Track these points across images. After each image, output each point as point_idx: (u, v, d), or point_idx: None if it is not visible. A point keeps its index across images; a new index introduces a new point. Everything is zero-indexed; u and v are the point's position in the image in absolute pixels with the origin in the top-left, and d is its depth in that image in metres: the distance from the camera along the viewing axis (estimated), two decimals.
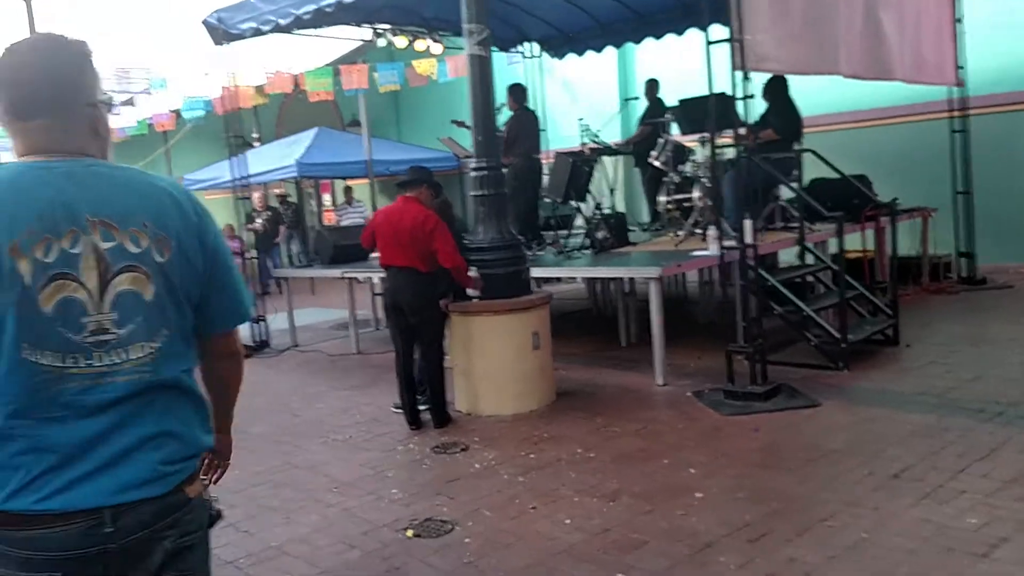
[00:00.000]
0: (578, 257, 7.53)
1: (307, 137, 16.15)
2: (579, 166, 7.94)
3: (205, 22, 8.98)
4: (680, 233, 7.69)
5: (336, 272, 8.91)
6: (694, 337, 7.72)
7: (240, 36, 8.85)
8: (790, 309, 6.51)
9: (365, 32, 11.92)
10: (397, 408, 6.16)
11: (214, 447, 1.82)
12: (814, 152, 7.54)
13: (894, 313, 6.95)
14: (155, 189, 1.66)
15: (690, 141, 8.24)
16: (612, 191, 9.83)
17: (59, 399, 1.52)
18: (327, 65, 13.95)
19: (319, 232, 9.93)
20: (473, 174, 5.99)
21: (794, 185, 7.35)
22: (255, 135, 17.15)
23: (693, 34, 10.48)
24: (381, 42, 10.74)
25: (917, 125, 10.06)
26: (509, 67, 14.80)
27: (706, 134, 7.72)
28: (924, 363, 6.25)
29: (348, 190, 15.69)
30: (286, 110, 17.80)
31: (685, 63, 10.56)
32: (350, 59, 14.60)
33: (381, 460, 5.13)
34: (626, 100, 10.08)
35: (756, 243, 6.11)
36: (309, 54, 14.28)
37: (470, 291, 5.76)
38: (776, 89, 7.75)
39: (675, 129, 8.43)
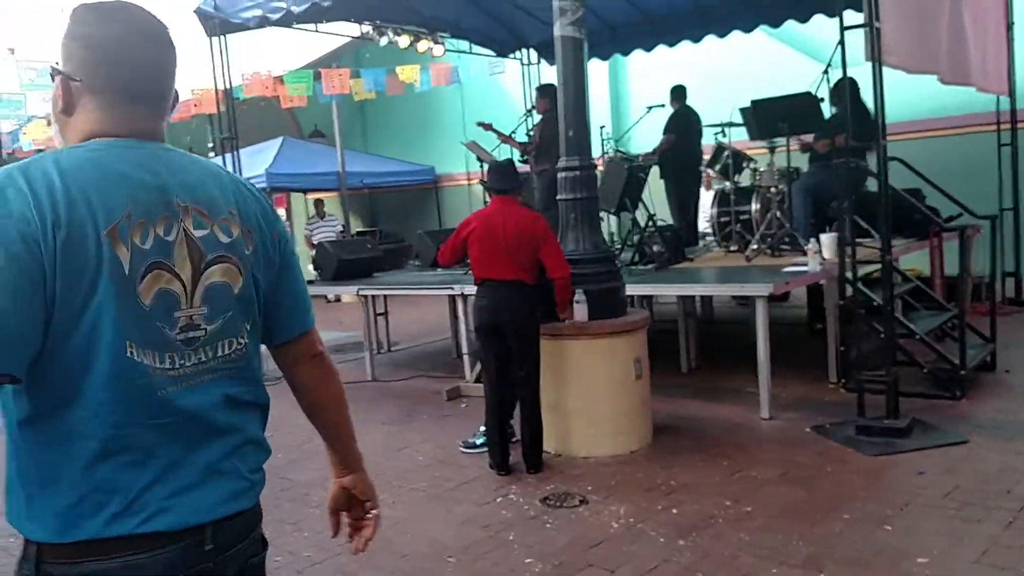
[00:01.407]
0: (639, 273, 6.74)
1: (272, 146, 15.05)
2: (635, 173, 7.18)
3: (198, 10, 7.94)
4: (754, 247, 6.96)
5: (349, 289, 7.93)
6: (746, 362, 7.02)
7: (241, 27, 7.82)
8: (902, 332, 5.84)
9: (355, 30, 11.09)
10: (469, 447, 5.26)
11: (352, 491, 1.79)
12: (901, 161, 6.93)
13: (992, 337, 6.36)
14: (232, 178, 1.58)
15: (752, 149, 7.59)
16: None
17: (158, 403, 1.38)
18: (303, 68, 12.99)
19: (322, 247, 9.10)
20: (563, 175, 5.15)
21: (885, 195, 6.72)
22: (210, 144, 15.97)
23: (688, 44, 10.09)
24: (383, 40, 9.82)
25: (961, 138, 9.63)
26: (492, 77, 14.12)
27: (777, 139, 7.10)
28: None
29: (319, 203, 14.63)
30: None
31: (675, 73, 10.11)
32: (324, 63, 13.65)
33: (487, 517, 4.21)
34: (649, 108, 9.33)
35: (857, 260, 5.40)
36: (284, 56, 13.22)
37: (572, 315, 4.90)
38: (850, 91, 7.13)
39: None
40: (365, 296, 7.89)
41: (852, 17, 5.08)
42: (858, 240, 7.11)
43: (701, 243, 8.61)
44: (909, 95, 8.53)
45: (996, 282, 6.73)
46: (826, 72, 6.94)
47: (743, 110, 7.18)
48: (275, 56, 12.37)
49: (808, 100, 6.54)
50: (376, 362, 8.46)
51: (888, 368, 5.06)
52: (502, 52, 11.64)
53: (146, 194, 1.39)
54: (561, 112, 5.13)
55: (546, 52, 11.73)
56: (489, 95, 14.99)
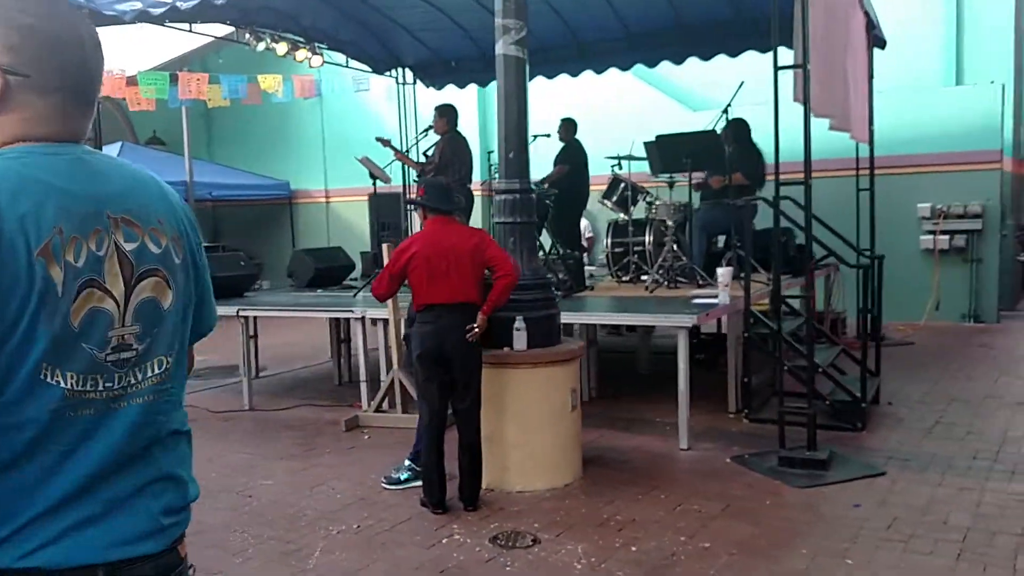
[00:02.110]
0: None
1: (110, 153, 13.88)
2: (541, 200, 7.10)
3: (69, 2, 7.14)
4: (656, 279, 7.02)
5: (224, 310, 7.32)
6: (642, 391, 7.13)
7: (115, 20, 7.08)
8: (799, 365, 6.05)
9: (226, 32, 10.45)
10: (393, 483, 4.92)
11: None
12: (792, 200, 7.25)
13: (877, 371, 6.74)
14: (156, 182, 1.47)
15: (650, 183, 7.72)
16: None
17: (71, 427, 1.28)
18: (154, 69, 12.13)
19: (298, 254, 8.68)
20: (501, 198, 4.96)
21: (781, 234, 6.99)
22: None
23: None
24: (261, 46, 9.28)
25: (826, 181, 10.24)
26: (356, 95, 13.79)
27: (675, 175, 7.25)
28: (931, 423, 6.02)
29: None
30: None
31: (547, 105, 10.23)
32: (172, 67, 12.81)
33: (439, 561, 3.91)
34: (535, 136, 9.34)
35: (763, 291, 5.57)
36: (131, 56, 12.24)
37: (484, 325, 4.60)
38: (742, 132, 7.42)
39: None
40: (245, 317, 7.32)
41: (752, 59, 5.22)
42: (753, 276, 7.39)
43: (586, 273, 8.66)
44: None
45: (881, 319, 7.09)
46: (725, 112, 7.20)
47: (647, 144, 7.29)
48: (121, 55, 11.45)
49: (712, 138, 6.73)
50: (237, 387, 7.91)
51: (809, 400, 5.21)
52: (377, 69, 11.31)
53: (76, 206, 1.29)
54: (501, 133, 4.96)
55: (421, 72, 11.53)
56: (351, 111, 14.59)
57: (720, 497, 4.64)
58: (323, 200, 15.30)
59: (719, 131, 7.29)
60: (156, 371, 1.39)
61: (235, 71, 12.19)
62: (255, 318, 7.70)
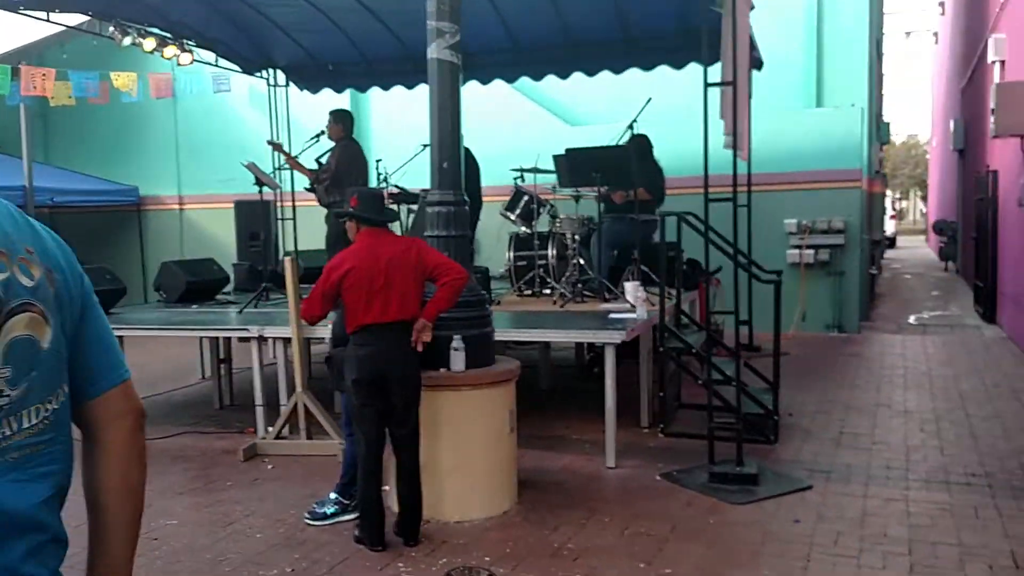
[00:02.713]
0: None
1: None
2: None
3: None
4: (566, 294, 6.89)
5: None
6: (549, 407, 7.03)
7: None
8: (711, 379, 6.09)
9: (81, 23, 9.57)
10: (318, 519, 4.52)
11: None
12: (694, 216, 7.32)
13: (775, 381, 6.89)
14: (17, 210, 1.32)
15: (553, 196, 7.60)
16: None
17: None
18: None
19: (167, 266, 7.86)
20: (435, 210, 4.68)
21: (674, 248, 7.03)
22: None
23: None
24: (127, 41, 8.53)
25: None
26: (216, 95, 13.04)
27: (584, 189, 7.18)
28: (835, 433, 6.21)
29: None
30: None
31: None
32: (10, 60, 11.63)
33: None
34: (424, 146, 9.08)
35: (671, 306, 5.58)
36: None
37: (428, 335, 4.31)
38: (644, 148, 7.45)
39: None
40: (120, 338, 6.62)
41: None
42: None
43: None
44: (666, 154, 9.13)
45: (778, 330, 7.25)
46: (631, 127, 7.20)
47: (556, 157, 7.17)
48: None
49: (621, 153, 6.70)
50: None
51: (738, 415, 5.23)
52: (248, 69, 10.68)
53: None
54: (434, 141, 4.68)
55: (295, 75, 10.98)
56: (210, 113, 13.76)
57: (664, 517, 4.54)
58: (176, 207, 14.31)
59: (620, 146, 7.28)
60: (35, 420, 1.24)
61: (80, 67, 11.19)
62: (120, 338, 6.99)
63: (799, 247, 11.23)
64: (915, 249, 32.43)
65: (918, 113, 49.01)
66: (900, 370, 8.55)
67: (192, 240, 13.93)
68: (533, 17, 9.01)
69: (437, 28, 4.59)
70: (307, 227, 10.76)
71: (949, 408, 6.86)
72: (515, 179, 7.67)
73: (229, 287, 8.98)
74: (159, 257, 12.95)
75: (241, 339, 6.67)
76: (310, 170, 7.26)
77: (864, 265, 12.09)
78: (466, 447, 4.50)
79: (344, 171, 7.09)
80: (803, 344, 10.30)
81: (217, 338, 7.53)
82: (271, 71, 10.92)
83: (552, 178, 7.76)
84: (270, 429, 6.06)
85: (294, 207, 9.48)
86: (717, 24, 5.86)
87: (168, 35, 9.14)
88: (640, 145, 7.38)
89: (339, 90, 11.04)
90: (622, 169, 6.74)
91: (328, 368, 4.72)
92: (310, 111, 10.86)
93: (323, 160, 7.28)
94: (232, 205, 11.66)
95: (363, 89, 10.89)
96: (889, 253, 28.37)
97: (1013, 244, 10.14)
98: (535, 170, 7.47)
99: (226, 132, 13.82)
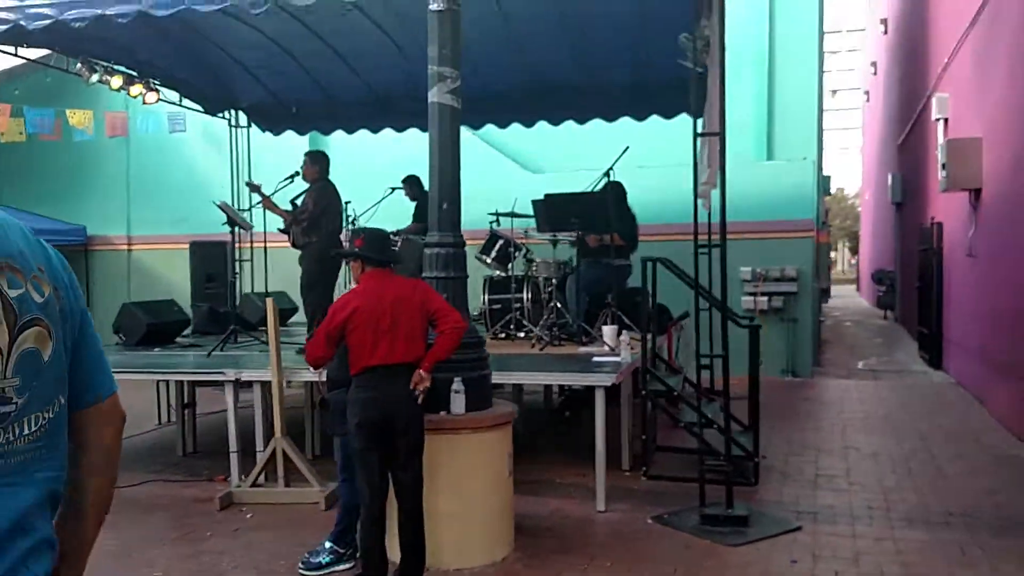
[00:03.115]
0: None
1: None
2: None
3: None
4: (544, 337, 6.91)
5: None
6: (526, 451, 6.96)
7: None
8: (696, 422, 6.15)
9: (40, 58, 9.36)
10: (314, 569, 4.39)
11: None
12: (669, 261, 7.45)
13: (753, 424, 6.98)
14: (25, 228, 1.42)
15: (526, 240, 7.65)
16: None
17: None
18: None
19: (128, 308, 7.62)
20: (434, 251, 4.66)
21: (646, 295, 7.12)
22: None
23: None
24: (94, 78, 8.39)
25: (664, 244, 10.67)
26: (171, 135, 12.87)
27: (561, 234, 7.25)
28: (811, 475, 6.31)
29: None
30: None
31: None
32: None
33: None
34: (392, 189, 9.12)
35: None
36: None
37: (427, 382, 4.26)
38: (619, 194, 7.56)
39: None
40: None
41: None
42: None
43: None
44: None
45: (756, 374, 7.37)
46: (607, 175, 7.32)
47: (535, 202, 7.23)
48: None
49: (599, 200, 6.80)
50: None
51: (728, 459, 5.27)
52: (211, 110, 10.57)
53: None
54: (434, 184, 4.69)
55: (257, 115, 10.91)
56: (162, 152, 13.50)
57: (664, 560, 4.54)
58: (125, 247, 13.95)
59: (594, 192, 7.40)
60: (35, 427, 1.32)
61: (32, 103, 10.96)
62: None
63: (753, 294, 11.48)
64: (849, 298, 33.41)
65: (845, 167, 50.93)
66: (860, 413, 8.75)
67: (140, 281, 13.59)
68: (502, 66, 9.16)
69: (439, 72, 4.64)
70: (267, 268, 10.63)
71: (914, 449, 7.03)
72: (490, 223, 7.71)
73: (187, 329, 8.77)
74: (106, 298, 12.59)
75: (213, 383, 6.48)
76: (286, 211, 7.17)
77: (815, 312, 12.41)
78: (467, 492, 4.43)
79: (322, 211, 7.01)
80: (761, 388, 10.46)
81: (182, 382, 7.32)
82: (232, 112, 10.83)
83: (524, 223, 7.83)
84: (243, 477, 5.88)
85: (265, 247, 9.26)
86: (684, 76, 6.03)
87: (134, 73, 9.00)
88: (616, 192, 7.50)
89: (302, 132, 11.00)
90: (599, 215, 6.83)
91: (323, 412, 4.63)
92: (268, 152, 10.82)
93: (298, 201, 7.21)
94: (186, 246, 11.46)
95: (327, 132, 10.86)
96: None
97: (960, 293, 10.54)
98: (511, 214, 7.51)
99: (178, 172, 13.59)
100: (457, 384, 4.44)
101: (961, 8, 10.00)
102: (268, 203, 7.14)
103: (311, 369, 4.74)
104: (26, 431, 1.31)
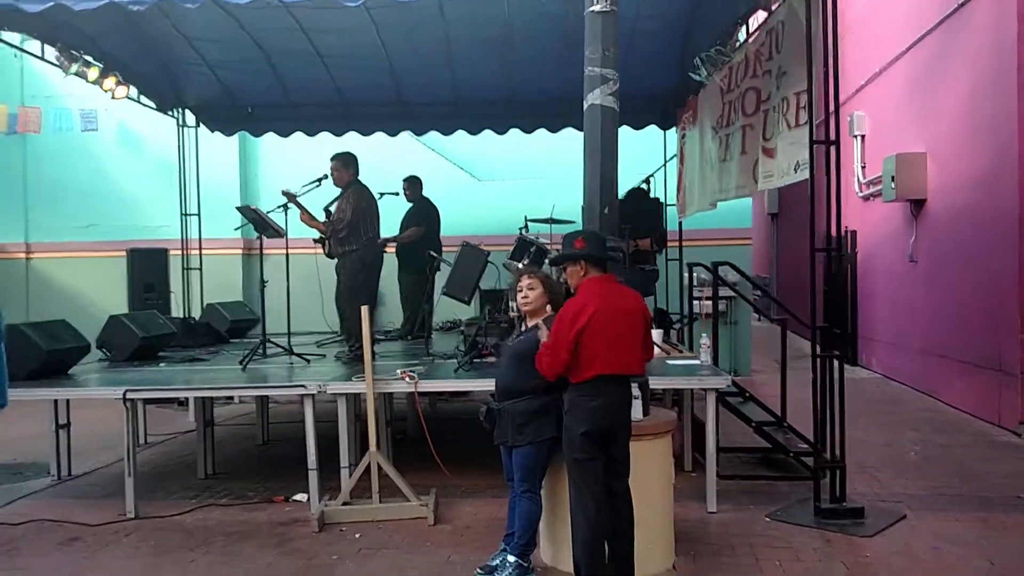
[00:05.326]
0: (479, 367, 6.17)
1: None
2: (488, 262, 6.65)
3: None
4: None
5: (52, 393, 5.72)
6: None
7: None
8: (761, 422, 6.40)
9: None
10: None
11: None
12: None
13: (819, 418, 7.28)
14: None
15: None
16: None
17: None
18: None
19: (115, 320, 6.95)
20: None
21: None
22: None
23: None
24: (73, 68, 7.59)
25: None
26: (83, 133, 11.95)
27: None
28: (852, 464, 6.67)
29: None
30: None
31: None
32: None
33: None
34: (381, 194, 8.78)
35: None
36: None
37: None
38: (642, 199, 7.71)
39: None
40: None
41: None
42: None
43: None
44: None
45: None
46: (646, 182, 7.44)
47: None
48: None
49: (653, 203, 6.91)
50: (68, 490, 6.35)
51: (841, 454, 5.50)
52: (162, 107, 9.78)
53: None
54: (595, 187, 4.62)
55: (205, 115, 10.22)
56: (69, 153, 12.31)
57: (824, 556, 4.68)
58: (23, 256, 12.59)
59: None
60: None
61: None
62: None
63: (699, 298, 11.95)
64: None
65: None
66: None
67: (40, 292, 12.34)
68: (479, 73, 9.10)
69: (601, 75, 4.58)
70: (214, 277, 10.14)
71: (916, 439, 7.57)
72: (519, 228, 7.61)
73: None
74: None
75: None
76: (323, 222, 6.76)
77: (749, 315, 13.08)
78: (649, 498, 4.38)
79: (360, 217, 6.67)
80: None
81: (202, 399, 6.76)
82: (180, 111, 10.08)
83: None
84: (330, 497, 5.52)
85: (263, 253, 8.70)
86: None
87: (101, 65, 8.22)
88: (639, 196, 7.64)
89: (257, 134, 10.47)
90: (645, 221, 6.94)
91: (487, 422, 4.45)
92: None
93: (331, 208, 6.82)
94: (95, 254, 10.81)
95: (285, 134, 10.31)
96: None
97: (886, 295, 11.46)
98: (550, 220, 7.45)
99: (85, 172, 12.45)
100: (635, 390, 4.39)
101: (885, 33, 10.89)
102: (305, 215, 6.69)
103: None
104: None
